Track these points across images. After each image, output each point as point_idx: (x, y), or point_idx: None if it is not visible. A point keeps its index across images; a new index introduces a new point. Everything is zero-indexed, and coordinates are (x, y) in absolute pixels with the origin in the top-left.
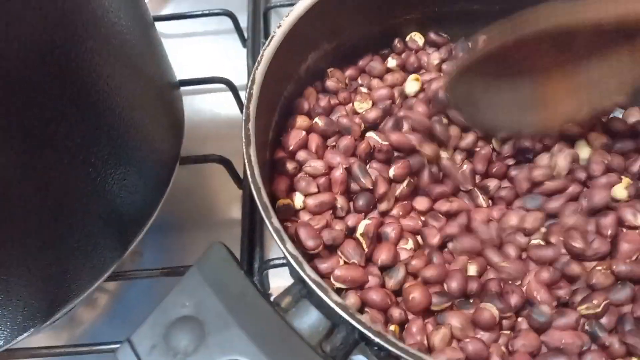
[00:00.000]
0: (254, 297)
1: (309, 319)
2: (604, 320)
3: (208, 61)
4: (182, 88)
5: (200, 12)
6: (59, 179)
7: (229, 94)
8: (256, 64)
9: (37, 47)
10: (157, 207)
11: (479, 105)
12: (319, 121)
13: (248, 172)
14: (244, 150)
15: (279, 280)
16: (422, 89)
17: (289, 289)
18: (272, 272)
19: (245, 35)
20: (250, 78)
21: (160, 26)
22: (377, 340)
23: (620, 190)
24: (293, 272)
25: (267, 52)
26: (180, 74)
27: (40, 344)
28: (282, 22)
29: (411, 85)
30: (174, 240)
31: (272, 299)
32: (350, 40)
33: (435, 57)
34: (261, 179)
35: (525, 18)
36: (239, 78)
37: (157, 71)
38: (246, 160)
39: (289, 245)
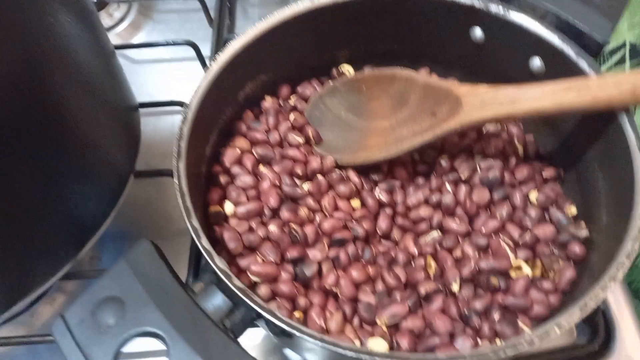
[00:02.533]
0: (170, 282)
1: (214, 301)
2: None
3: (171, 85)
4: (144, 109)
5: (165, 42)
6: (18, 185)
7: None
8: (194, 92)
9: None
10: (110, 215)
11: (327, 132)
12: (257, 150)
13: (175, 181)
14: (174, 162)
15: None
16: None
17: (202, 277)
18: None
19: (207, 63)
20: (188, 105)
21: (130, 52)
22: (265, 314)
23: None
24: (206, 264)
25: (204, 83)
26: (144, 97)
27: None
28: (218, 57)
29: None
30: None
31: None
32: (287, 72)
33: None
34: (187, 186)
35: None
36: None
37: (115, 96)
38: (174, 172)
39: (204, 240)
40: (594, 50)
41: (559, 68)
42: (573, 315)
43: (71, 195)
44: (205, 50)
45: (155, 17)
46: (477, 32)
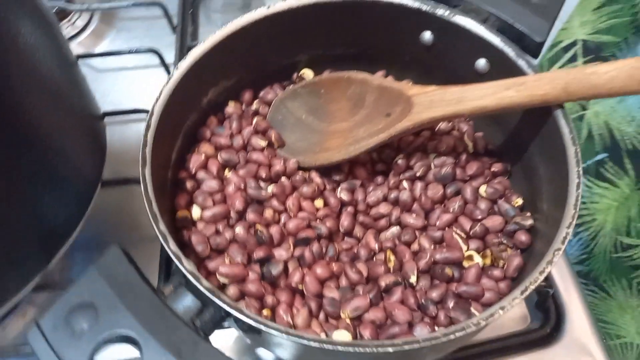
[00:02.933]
0: (141, 286)
1: (184, 302)
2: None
3: (136, 93)
4: (110, 118)
5: (128, 50)
6: None
7: None
8: (155, 100)
9: None
10: (79, 223)
11: (289, 134)
12: (222, 154)
13: (142, 187)
14: (140, 169)
15: None
16: None
17: (172, 280)
18: None
19: (171, 70)
20: (149, 112)
21: (94, 61)
22: (232, 312)
23: None
24: (176, 268)
25: (165, 90)
26: (109, 105)
27: None
28: (179, 65)
29: None
30: None
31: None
32: (249, 78)
33: None
34: (153, 193)
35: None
36: None
37: (79, 105)
38: (141, 178)
39: (172, 245)
40: (534, 49)
41: (502, 68)
42: (515, 298)
43: (38, 205)
44: (169, 58)
45: (118, 25)
46: (427, 36)
